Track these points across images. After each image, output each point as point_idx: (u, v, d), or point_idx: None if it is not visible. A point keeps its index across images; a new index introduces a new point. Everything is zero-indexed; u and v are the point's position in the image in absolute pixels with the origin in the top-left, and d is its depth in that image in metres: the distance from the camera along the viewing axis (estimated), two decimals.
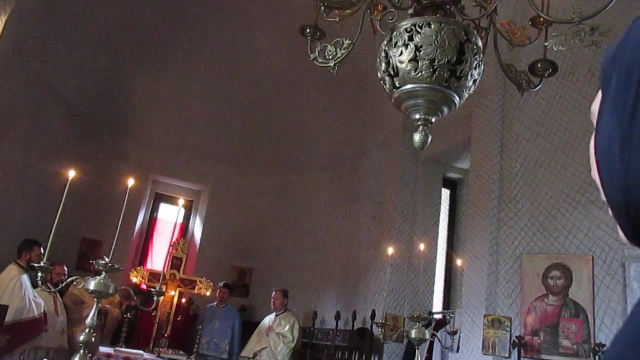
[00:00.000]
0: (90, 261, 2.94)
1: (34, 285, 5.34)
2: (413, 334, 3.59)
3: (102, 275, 2.63)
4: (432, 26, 1.69)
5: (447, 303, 7.73)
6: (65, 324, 5.93)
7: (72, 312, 6.16)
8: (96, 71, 7.89)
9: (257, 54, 8.31)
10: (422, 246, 5.83)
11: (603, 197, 0.56)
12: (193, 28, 8.06)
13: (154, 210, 9.41)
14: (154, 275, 6.84)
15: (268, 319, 6.74)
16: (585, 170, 5.27)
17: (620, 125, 0.51)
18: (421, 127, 1.75)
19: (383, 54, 1.80)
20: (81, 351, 2.56)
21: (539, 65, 1.90)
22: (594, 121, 0.57)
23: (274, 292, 6.75)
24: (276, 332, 6.40)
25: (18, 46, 6.43)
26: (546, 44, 1.81)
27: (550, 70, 1.89)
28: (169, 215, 9.46)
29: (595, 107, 0.57)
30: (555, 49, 1.73)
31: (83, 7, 7.09)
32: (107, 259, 2.65)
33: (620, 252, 4.87)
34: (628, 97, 0.51)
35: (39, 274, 2.61)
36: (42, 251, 5.22)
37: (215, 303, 7.45)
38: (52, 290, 5.14)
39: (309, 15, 2.21)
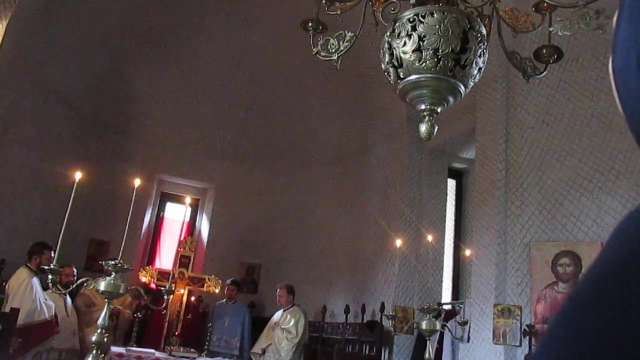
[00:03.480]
0: (100, 262, 2.95)
1: (44, 288, 5.37)
2: (424, 325, 3.59)
3: (112, 276, 2.63)
4: (435, 15, 1.68)
5: (456, 294, 7.72)
6: (76, 325, 5.96)
7: (84, 314, 6.19)
8: (98, 72, 7.90)
9: (258, 50, 8.30)
10: (429, 237, 5.83)
11: (626, 121, 0.50)
12: (194, 26, 8.05)
13: (161, 209, 9.44)
14: (162, 274, 6.86)
15: (277, 315, 6.75)
16: (592, 157, 5.25)
17: (637, 38, 0.45)
18: (427, 117, 1.75)
19: (386, 46, 1.79)
20: (94, 351, 2.58)
21: (544, 51, 1.88)
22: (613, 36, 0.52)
23: (278, 290, 6.75)
24: (281, 327, 6.40)
25: (20, 50, 6.44)
26: (551, 29, 1.79)
27: (556, 56, 1.88)
28: (176, 214, 9.49)
29: (615, 19, 0.51)
30: (560, 34, 1.71)
31: (83, 9, 7.09)
32: (116, 260, 2.65)
33: None
34: None
35: (50, 276, 2.62)
36: (52, 254, 5.24)
37: (224, 300, 7.48)
38: (63, 292, 5.17)
39: (310, 9, 2.20)
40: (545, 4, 1.81)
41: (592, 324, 0.39)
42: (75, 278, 5.63)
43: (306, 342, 6.59)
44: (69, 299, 5.96)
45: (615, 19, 0.51)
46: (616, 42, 0.49)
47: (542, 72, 1.90)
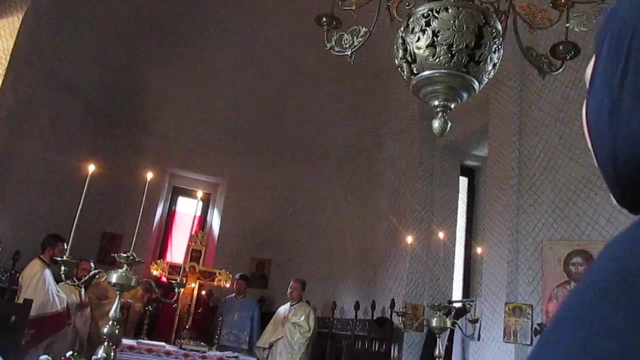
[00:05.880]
0: (112, 254, 2.97)
1: (57, 280, 5.42)
2: (434, 322, 3.57)
3: (125, 268, 2.65)
4: (450, 10, 1.66)
5: (466, 291, 7.69)
6: (89, 317, 6.02)
7: (95, 308, 6.24)
8: (112, 66, 7.95)
9: (271, 45, 8.30)
10: (440, 234, 5.80)
11: (595, 163, 0.56)
12: (207, 21, 8.06)
13: (172, 203, 9.48)
14: (173, 268, 6.91)
15: (283, 309, 6.75)
16: None
17: (610, 91, 0.50)
18: (440, 113, 1.73)
19: (400, 41, 1.78)
20: (105, 343, 2.59)
21: (561, 47, 1.86)
22: (588, 86, 0.57)
23: (292, 282, 6.76)
24: (292, 321, 6.41)
25: (35, 43, 6.49)
26: (567, 25, 1.77)
27: (573, 53, 1.85)
28: (188, 208, 9.53)
29: (589, 71, 0.56)
30: (577, 30, 1.69)
31: (98, 3, 7.13)
32: (129, 252, 2.67)
33: None
34: (619, 62, 0.50)
35: (62, 268, 2.64)
36: (66, 246, 5.29)
37: (234, 295, 7.51)
38: (77, 283, 5.22)
39: (323, 5, 2.19)
40: (563, 0, 1.78)
41: (568, 341, 0.41)
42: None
43: (314, 337, 6.60)
44: (83, 292, 6.02)
45: (590, 70, 0.56)
46: (591, 91, 0.55)
47: (559, 69, 1.88)
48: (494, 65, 1.72)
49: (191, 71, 8.64)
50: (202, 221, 9.51)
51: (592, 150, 0.55)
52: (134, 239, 2.96)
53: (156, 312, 7.16)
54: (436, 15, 1.68)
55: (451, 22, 1.65)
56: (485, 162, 7.03)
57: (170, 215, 9.41)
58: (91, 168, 2.95)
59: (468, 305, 6.49)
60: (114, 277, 2.63)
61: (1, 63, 5.80)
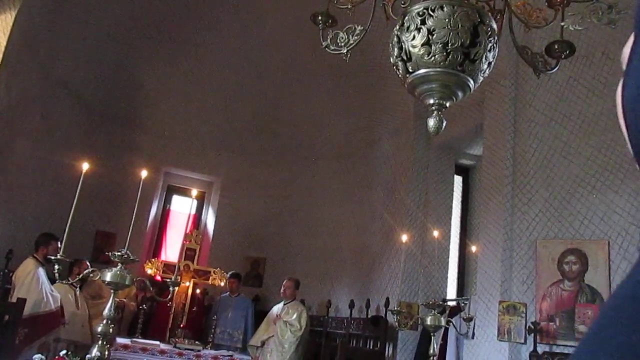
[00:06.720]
0: (106, 253, 2.96)
1: (52, 280, 5.39)
2: (429, 320, 3.58)
3: (119, 267, 2.64)
4: (445, 9, 1.67)
5: (461, 290, 7.71)
6: (86, 317, 6.00)
7: (90, 307, 6.22)
8: (107, 64, 7.92)
9: (266, 43, 8.29)
10: (435, 233, 5.80)
11: (629, 148, 0.52)
12: (202, 19, 8.04)
13: (167, 202, 9.46)
14: (168, 267, 6.89)
15: (277, 308, 6.74)
16: (600, 155, 5.21)
17: None
18: (435, 112, 1.73)
19: (395, 39, 1.78)
20: (99, 342, 2.59)
21: (556, 46, 1.86)
22: (624, 66, 0.53)
23: (285, 281, 6.75)
24: (284, 320, 6.40)
25: (29, 40, 6.45)
26: (562, 23, 1.77)
27: (568, 52, 1.86)
28: (182, 207, 9.52)
29: (627, 50, 0.53)
30: (572, 29, 1.70)
31: (92, 1, 7.09)
32: (123, 251, 2.66)
33: (637, 236, 4.81)
34: None
35: (56, 267, 2.63)
36: (59, 245, 5.26)
37: (228, 293, 7.50)
38: (71, 282, 5.19)
39: (319, 3, 2.19)
40: None
41: (615, 343, 0.39)
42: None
43: (307, 336, 6.59)
44: (79, 292, 6.00)
45: (627, 49, 0.52)
46: (629, 73, 0.51)
47: (554, 68, 1.88)
48: (489, 64, 1.72)
49: (186, 69, 8.62)
50: (197, 220, 9.49)
51: (626, 134, 0.52)
52: (128, 237, 2.95)
53: (150, 311, 7.15)
54: (431, 13, 1.68)
55: (446, 20, 1.66)
56: (479, 161, 7.05)
57: (164, 213, 9.38)
58: (85, 166, 2.94)
59: (462, 304, 6.48)
60: (108, 276, 2.63)
61: None
